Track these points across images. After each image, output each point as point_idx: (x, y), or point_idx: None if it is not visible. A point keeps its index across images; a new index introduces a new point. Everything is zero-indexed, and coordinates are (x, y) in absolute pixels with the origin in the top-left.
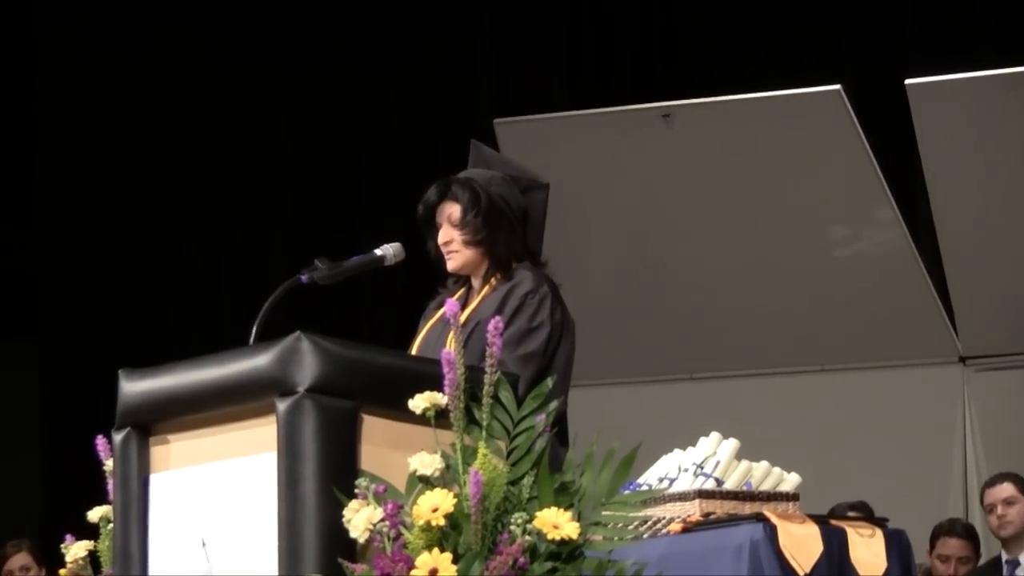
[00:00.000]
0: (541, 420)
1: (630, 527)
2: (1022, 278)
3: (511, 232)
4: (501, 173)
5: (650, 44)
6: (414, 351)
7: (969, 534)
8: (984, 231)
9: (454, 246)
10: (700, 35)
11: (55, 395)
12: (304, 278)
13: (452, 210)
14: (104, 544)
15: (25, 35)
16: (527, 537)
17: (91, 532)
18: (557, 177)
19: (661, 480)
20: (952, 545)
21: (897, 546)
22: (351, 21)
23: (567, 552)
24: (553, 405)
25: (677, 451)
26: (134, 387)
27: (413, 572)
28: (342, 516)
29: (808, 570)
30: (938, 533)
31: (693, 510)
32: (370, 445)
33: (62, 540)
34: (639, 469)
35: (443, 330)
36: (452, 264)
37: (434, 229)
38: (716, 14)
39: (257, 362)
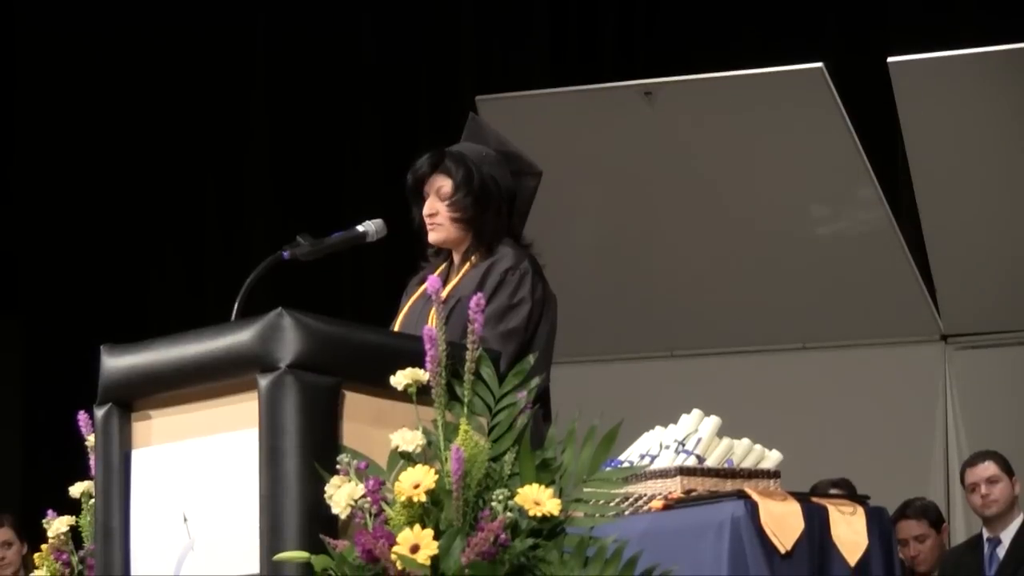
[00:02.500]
0: (523, 397)
1: (611, 504)
2: (1003, 256)
3: (497, 214)
4: (495, 152)
5: (632, 21)
6: (396, 327)
7: (921, 513)
8: (966, 210)
9: (439, 219)
10: (682, 12)
11: (36, 371)
12: (286, 254)
13: (442, 184)
14: (85, 519)
15: (3, 13)
16: (508, 514)
17: (72, 507)
18: (539, 154)
19: (642, 457)
20: (905, 527)
21: (878, 524)
22: None
23: (548, 529)
24: (535, 382)
25: (658, 428)
26: (116, 363)
27: (394, 548)
28: (324, 492)
29: (789, 547)
30: (894, 520)
31: (674, 487)
32: (352, 421)
33: (44, 515)
34: (621, 446)
35: (425, 306)
36: (434, 236)
37: (420, 199)
38: None
39: (239, 338)
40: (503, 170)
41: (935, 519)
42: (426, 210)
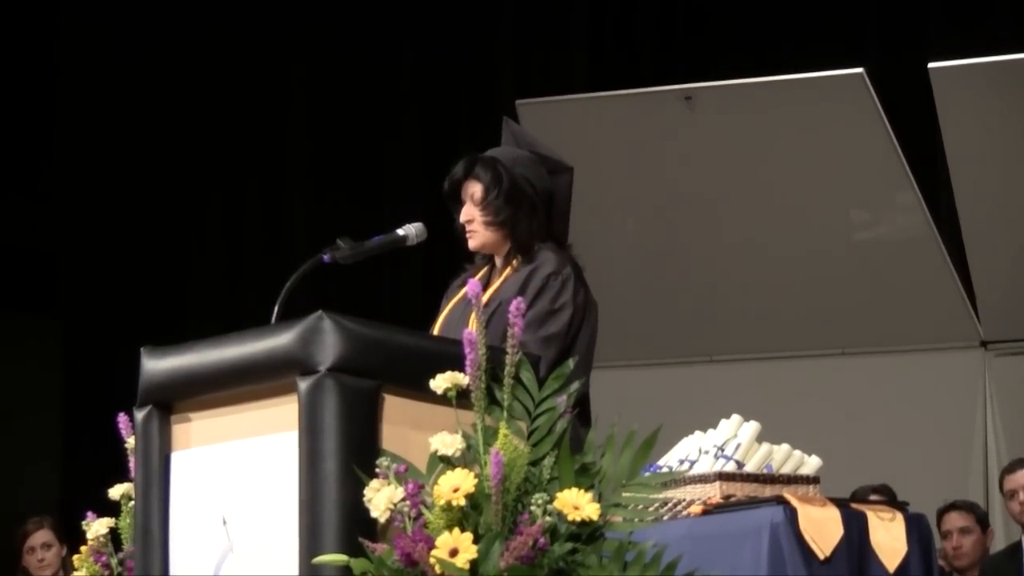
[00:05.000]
0: (562, 401)
1: (650, 509)
2: None
3: (533, 214)
4: (529, 153)
5: (672, 26)
6: (436, 330)
7: (969, 508)
8: (1006, 215)
9: (474, 225)
10: (722, 17)
11: (76, 372)
12: (326, 258)
13: (475, 189)
14: (125, 521)
15: (45, 7)
16: (547, 518)
17: (112, 509)
18: (578, 159)
19: (682, 462)
20: (951, 519)
21: (917, 530)
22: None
23: (587, 533)
24: (574, 386)
25: (698, 433)
26: (156, 365)
27: (433, 552)
28: (363, 495)
29: (828, 553)
30: (939, 515)
31: (713, 492)
32: (391, 425)
33: (83, 517)
34: (660, 451)
35: (465, 310)
36: (472, 243)
37: (459, 205)
38: None
39: (279, 341)
40: (538, 170)
41: (982, 517)
42: (462, 217)
